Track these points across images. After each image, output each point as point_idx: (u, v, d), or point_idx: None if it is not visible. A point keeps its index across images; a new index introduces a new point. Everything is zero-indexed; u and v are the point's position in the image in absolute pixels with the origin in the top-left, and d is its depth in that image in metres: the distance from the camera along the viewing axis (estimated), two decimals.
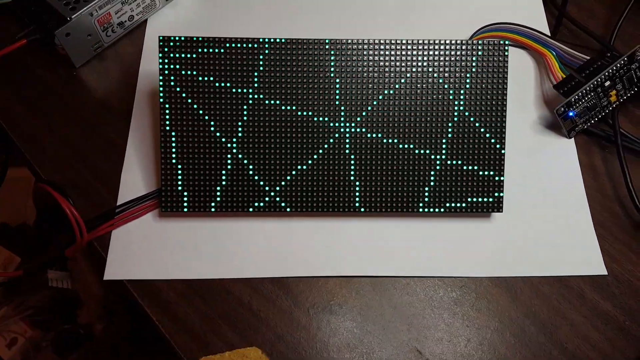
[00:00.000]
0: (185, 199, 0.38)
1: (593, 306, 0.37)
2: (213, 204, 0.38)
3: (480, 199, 0.38)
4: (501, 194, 0.38)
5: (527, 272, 0.38)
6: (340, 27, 0.48)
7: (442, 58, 0.38)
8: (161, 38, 0.37)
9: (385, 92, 0.38)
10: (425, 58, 0.38)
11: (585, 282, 0.38)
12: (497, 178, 0.38)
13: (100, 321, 0.89)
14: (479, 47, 0.38)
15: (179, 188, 0.38)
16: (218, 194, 0.38)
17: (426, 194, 0.38)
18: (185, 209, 0.38)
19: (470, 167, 0.38)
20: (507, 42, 0.38)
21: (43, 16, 0.43)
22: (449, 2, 0.49)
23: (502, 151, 0.38)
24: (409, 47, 0.38)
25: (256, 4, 0.49)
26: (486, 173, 0.38)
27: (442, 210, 0.38)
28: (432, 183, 0.38)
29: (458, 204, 0.38)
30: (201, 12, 0.48)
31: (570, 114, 0.40)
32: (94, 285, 0.71)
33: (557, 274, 0.38)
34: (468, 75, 0.38)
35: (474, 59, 0.38)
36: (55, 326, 0.89)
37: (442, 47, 0.38)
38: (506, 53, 0.38)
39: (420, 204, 0.38)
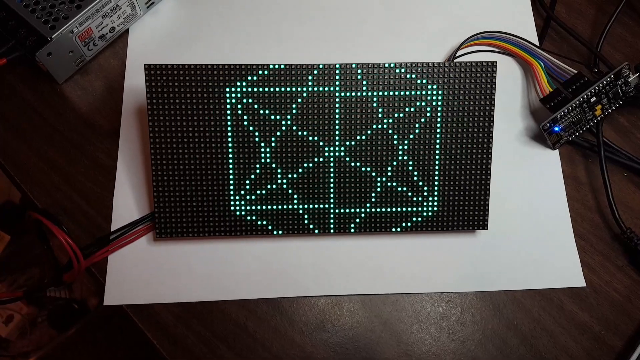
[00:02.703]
0: (179, 223, 0.39)
1: (571, 317, 0.39)
2: (207, 228, 0.39)
3: (466, 217, 0.39)
4: (486, 212, 0.39)
5: (510, 287, 0.40)
6: (325, 37, 0.47)
7: (428, 81, 0.38)
8: (147, 66, 0.36)
9: (373, 116, 0.38)
10: (409, 81, 0.38)
11: (565, 294, 0.40)
12: (482, 197, 0.39)
13: (94, 296, 0.92)
14: (467, 69, 0.38)
15: (172, 213, 0.39)
16: (211, 218, 0.39)
17: (413, 213, 0.39)
18: (180, 234, 0.39)
19: (456, 187, 0.39)
20: (495, 63, 0.38)
21: (22, 31, 0.41)
22: (437, 10, 0.48)
23: (489, 172, 0.39)
24: (390, 70, 0.37)
25: (238, 9, 0.47)
26: (472, 192, 0.39)
27: (429, 228, 0.40)
28: (418, 202, 0.39)
29: (444, 222, 0.39)
30: (182, 19, 0.47)
31: (556, 129, 0.41)
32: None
33: (539, 287, 0.40)
34: (455, 96, 0.38)
35: (461, 80, 0.38)
36: (49, 302, 0.91)
37: (429, 69, 0.38)
38: (494, 75, 0.38)
39: (408, 223, 0.39)
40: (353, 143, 0.38)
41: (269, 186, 0.39)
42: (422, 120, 0.38)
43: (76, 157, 0.42)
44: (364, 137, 0.38)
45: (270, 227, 0.39)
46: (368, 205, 0.39)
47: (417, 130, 0.38)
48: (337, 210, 0.39)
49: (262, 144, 0.38)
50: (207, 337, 0.38)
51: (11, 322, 0.92)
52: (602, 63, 0.44)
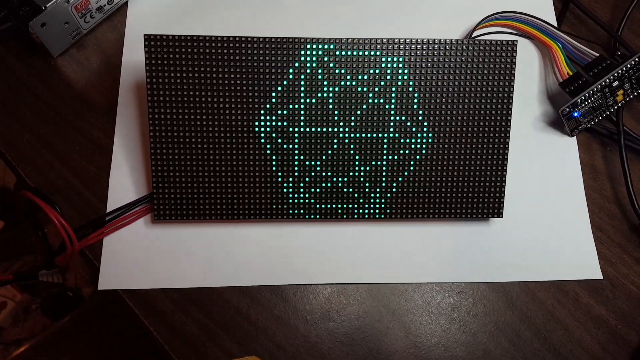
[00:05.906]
0: (179, 205, 0.37)
1: (587, 310, 0.38)
2: (208, 211, 0.37)
3: (480, 204, 0.38)
4: (502, 200, 0.38)
5: (523, 277, 0.38)
6: (335, 13, 0.44)
7: (445, 59, 0.36)
8: (146, 37, 0.34)
9: (384, 95, 0.36)
10: (425, 59, 0.36)
11: (580, 286, 0.38)
12: (498, 184, 0.37)
13: (88, 284, 0.90)
14: (486, 48, 0.36)
15: (172, 195, 0.37)
16: (212, 200, 0.37)
17: (425, 199, 0.38)
18: (179, 217, 0.37)
19: (471, 172, 0.37)
20: (516, 42, 0.36)
21: (14, 0, 0.39)
22: None
23: (505, 157, 0.37)
24: (407, 46, 0.35)
25: None
26: (487, 179, 0.37)
27: (440, 215, 0.38)
28: (431, 188, 0.37)
29: (457, 209, 0.38)
30: None
31: (575, 114, 0.39)
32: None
33: (554, 278, 0.38)
34: (472, 76, 0.36)
35: (479, 59, 0.36)
36: (43, 289, 0.90)
37: (446, 46, 0.36)
38: (514, 55, 0.36)
39: (419, 209, 0.38)
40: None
41: (282, 167, 0.37)
42: (436, 101, 0.36)
43: (71, 135, 0.40)
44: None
45: (278, 211, 0.37)
46: (378, 190, 0.37)
47: (429, 112, 0.36)
48: (346, 195, 0.37)
49: (270, 121, 0.36)
50: (207, 325, 0.36)
51: (4, 309, 0.90)
52: (623, 48, 0.43)
